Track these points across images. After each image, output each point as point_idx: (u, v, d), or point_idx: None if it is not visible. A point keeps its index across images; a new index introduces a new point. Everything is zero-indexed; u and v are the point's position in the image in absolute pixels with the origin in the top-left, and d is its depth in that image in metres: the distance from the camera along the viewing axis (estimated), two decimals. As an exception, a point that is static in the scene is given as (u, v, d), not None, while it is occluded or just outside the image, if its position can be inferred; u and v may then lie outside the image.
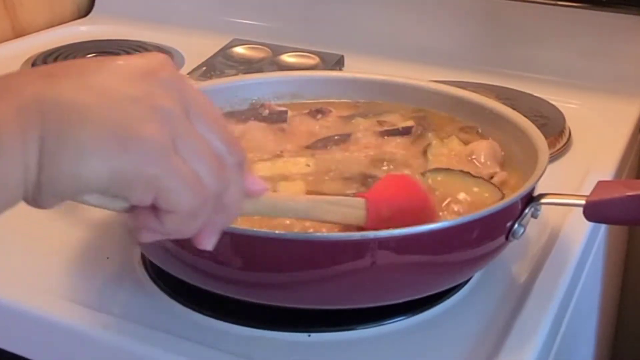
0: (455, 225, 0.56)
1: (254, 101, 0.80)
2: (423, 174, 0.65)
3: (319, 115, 0.79)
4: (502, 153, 0.70)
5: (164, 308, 0.62)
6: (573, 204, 0.61)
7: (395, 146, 0.73)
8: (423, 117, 0.77)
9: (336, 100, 0.81)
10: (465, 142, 0.72)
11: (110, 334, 0.60)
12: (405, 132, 0.74)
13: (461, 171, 0.65)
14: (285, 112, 0.78)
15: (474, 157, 0.69)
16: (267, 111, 0.79)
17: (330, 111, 0.80)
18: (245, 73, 1.05)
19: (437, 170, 0.66)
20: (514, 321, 0.60)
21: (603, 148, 0.88)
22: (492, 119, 0.73)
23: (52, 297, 0.63)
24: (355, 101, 0.81)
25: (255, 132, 0.76)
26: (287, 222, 0.60)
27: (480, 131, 0.74)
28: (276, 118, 0.78)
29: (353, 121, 0.77)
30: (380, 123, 0.77)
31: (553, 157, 0.85)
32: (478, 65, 1.09)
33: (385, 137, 0.74)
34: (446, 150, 0.70)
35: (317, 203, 0.55)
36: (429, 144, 0.71)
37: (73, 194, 0.42)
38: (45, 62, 1.13)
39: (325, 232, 0.58)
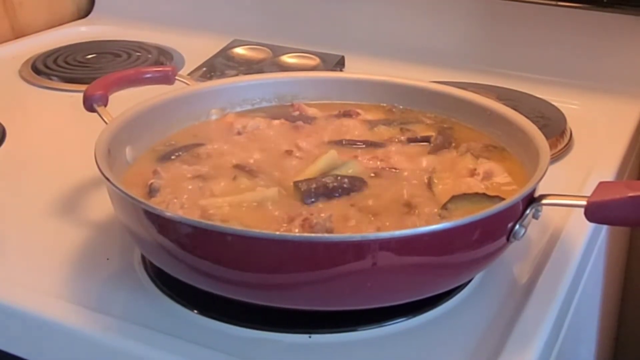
0: (457, 226, 0.56)
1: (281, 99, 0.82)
2: (446, 208, 0.63)
3: (346, 118, 0.79)
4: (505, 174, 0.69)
5: (164, 309, 0.62)
6: (574, 205, 0.60)
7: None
8: (448, 128, 0.77)
9: (367, 104, 0.82)
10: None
11: (109, 335, 0.59)
12: (424, 140, 0.74)
13: (476, 193, 0.64)
14: (313, 118, 0.79)
15: (476, 171, 0.69)
16: (297, 112, 0.80)
17: (359, 114, 0.79)
18: (245, 74, 1.05)
19: (455, 198, 0.64)
20: (516, 322, 0.60)
21: (604, 149, 0.88)
22: (516, 135, 0.71)
23: (52, 297, 0.63)
24: (391, 105, 0.81)
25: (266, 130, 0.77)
26: (285, 224, 0.60)
27: (504, 151, 0.73)
28: (301, 119, 0.78)
29: (376, 129, 0.77)
30: (403, 131, 0.76)
31: (554, 158, 0.85)
32: (479, 65, 1.09)
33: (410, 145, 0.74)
34: (452, 173, 0.69)
35: None
36: (434, 170, 0.69)
37: None
38: (44, 63, 1.13)
39: (327, 234, 0.58)
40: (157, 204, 0.62)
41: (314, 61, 1.10)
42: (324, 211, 0.61)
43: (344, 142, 0.74)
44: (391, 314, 0.61)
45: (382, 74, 0.83)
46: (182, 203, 0.62)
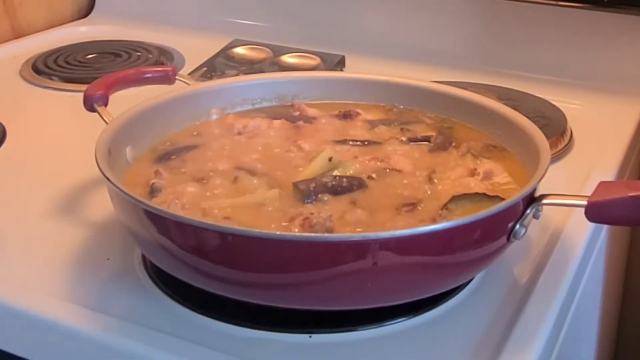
0: (457, 226, 0.56)
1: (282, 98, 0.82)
2: (447, 208, 0.63)
3: (347, 119, 0.79)
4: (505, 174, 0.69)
5: (164, 309, 0.62)
6: (575, 205, 0.60)
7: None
8: (448, 128, 0.77)
9: (368, 103, 0.82)
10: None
11: (110, 335, 0.59)
12: (424, 140, 0.74)
13: (477, 193, 0.64)
14: (314, 118, 0.79)
15: (476, 171, 0.69)
16: (297, 112, 0.80)
17: (359, 114, 0.79)
18: (246, 74, 1.05)
19: (455, 198, 0.64)
20: (516, 322, 0.60)
21: (605, 148, 0.88)
22: (516, 134, 0.71)
23: (52, 297, 0.63)
24: (391, 105, 0.81)
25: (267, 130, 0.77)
26: (285, 223, 0.60)
27: (505, 151, 0.72)
28: (302, 119, 0.78)
29: (376, 129, 0.77)
30: (403, 131, 0.76)
31: (555, 158, 0.85)
32: (479, 65, 1.09)
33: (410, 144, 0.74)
34: (452, 173, 0.69)
35: None
36: (434, 171, 0.69)
37: None
38: (45, 62, 1.13)
39: (327, 234, 0.58)
40: (158, 204, 0.62)
41: (315, 61, 1.10)
42: (324, 211, 0.61)
43: (344, 142, 0.74)
44: (391, 313, 0.61)
45: (383, 74, 0.83)
46: (183, 204, 0.62)
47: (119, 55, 1.17)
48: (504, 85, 1.01)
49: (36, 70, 1.12)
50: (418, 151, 0.73)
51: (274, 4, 1.23)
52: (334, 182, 0.65)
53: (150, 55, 1.16)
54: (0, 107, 1.01)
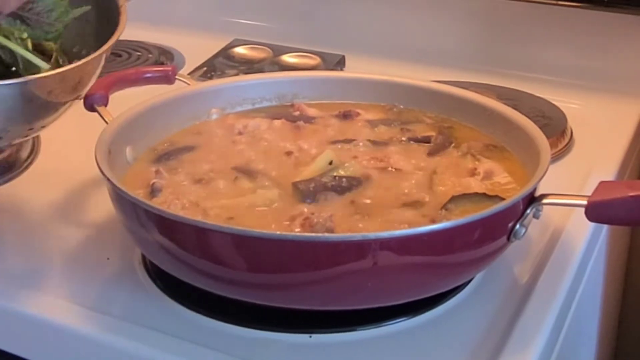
0: (457, 225, 0.56)
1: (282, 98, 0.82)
2: (446, 209, 0.63)
3: (347, 119, 0.78)
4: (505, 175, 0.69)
5: (165, 309, 0.62)
6: (575, 205, 0.60)
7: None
8: (449, 128, 0.76)
9: (368, 103, 0.81)
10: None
11: (110, 335, 0.59)
12: (424, 140, 0.74)
13: (476, 193, 0.64)
14: (314, 118, 0.79)
15: (476, 170, 0.69)
16: (297, 112, 0.79)
17: (359, 114, 0.79)
18: (246, 73, 1.05)
19: (455, 198, 0.64)
20: (516, 322, 0.60)
21: (605, 148, 0.88)
22: (517, 134, 0.71)
23: (52, 297, 0.63)
24: (391, 105, 0.81)
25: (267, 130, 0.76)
26: (285, 223, 0.60)
27: (505, 151, 0.72)
28: (302, 119, 0.78)
29: (376, 129, 0.77)
30: (403, 131, 0.76)
31: (555, 158, 0.85)
32: (479, 65, 1.09)
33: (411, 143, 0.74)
34: (452, 173, 0.69)
35: None
36: (434, 171, 0.69)
37: None
38: (45, 62, 1.13)
39: (327, 234, 0.58)
40: (158, 204, 0.62)
41: (315, 60, 1.10)
42: (324, 211, 0.61)
43: (344, 142, 0.74)
44: (391, 314, 0.61)
45: (383, 74, 0.83)
46: (183, 204, 0.62)
47: (119, 55, 1.16)
48: (504, 85, 1.01)
49: (36, 70, 1.12)
50: (418, 151, 0.73)
51: (274, 4, 1.23)
52: (333, 182, 0.65)
53: (150, 55, 1.16)
54: None
